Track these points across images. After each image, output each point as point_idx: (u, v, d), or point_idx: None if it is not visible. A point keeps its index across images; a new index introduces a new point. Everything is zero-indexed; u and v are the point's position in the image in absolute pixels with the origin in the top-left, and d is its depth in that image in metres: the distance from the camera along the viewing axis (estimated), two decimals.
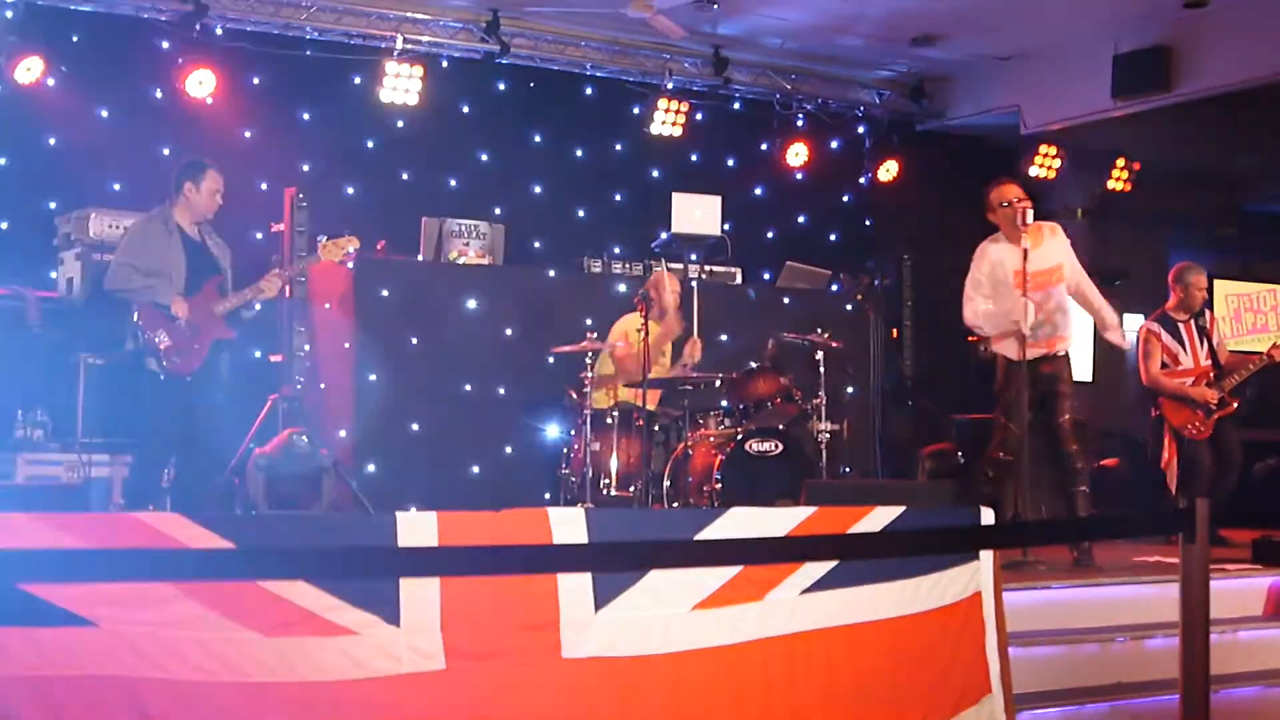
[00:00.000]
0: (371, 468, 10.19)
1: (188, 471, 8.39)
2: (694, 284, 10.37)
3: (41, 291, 9.84)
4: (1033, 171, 13.67)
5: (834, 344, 9.99)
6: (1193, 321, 9.83)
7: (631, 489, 9.56)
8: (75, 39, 10.78)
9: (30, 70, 10.20)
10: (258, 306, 8.56)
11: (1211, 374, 9.70)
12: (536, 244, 12.47)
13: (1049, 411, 8.40)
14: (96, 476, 9.25)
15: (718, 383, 9.94)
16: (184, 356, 8.07)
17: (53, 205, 10.46)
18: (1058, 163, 13.79)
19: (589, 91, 13.02)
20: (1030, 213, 8.15)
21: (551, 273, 11.40)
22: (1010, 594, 6.10)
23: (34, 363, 9.53)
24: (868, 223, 14.47)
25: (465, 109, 12.49)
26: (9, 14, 10.21)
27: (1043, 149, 13.74)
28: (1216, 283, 9.99)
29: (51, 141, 10.67)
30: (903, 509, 5.56)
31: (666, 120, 12.72)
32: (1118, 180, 14.36)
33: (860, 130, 14.22)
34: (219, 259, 8.45)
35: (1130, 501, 11.36)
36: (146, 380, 8.09)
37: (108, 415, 9.43)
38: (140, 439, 8.56)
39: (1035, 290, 8.12)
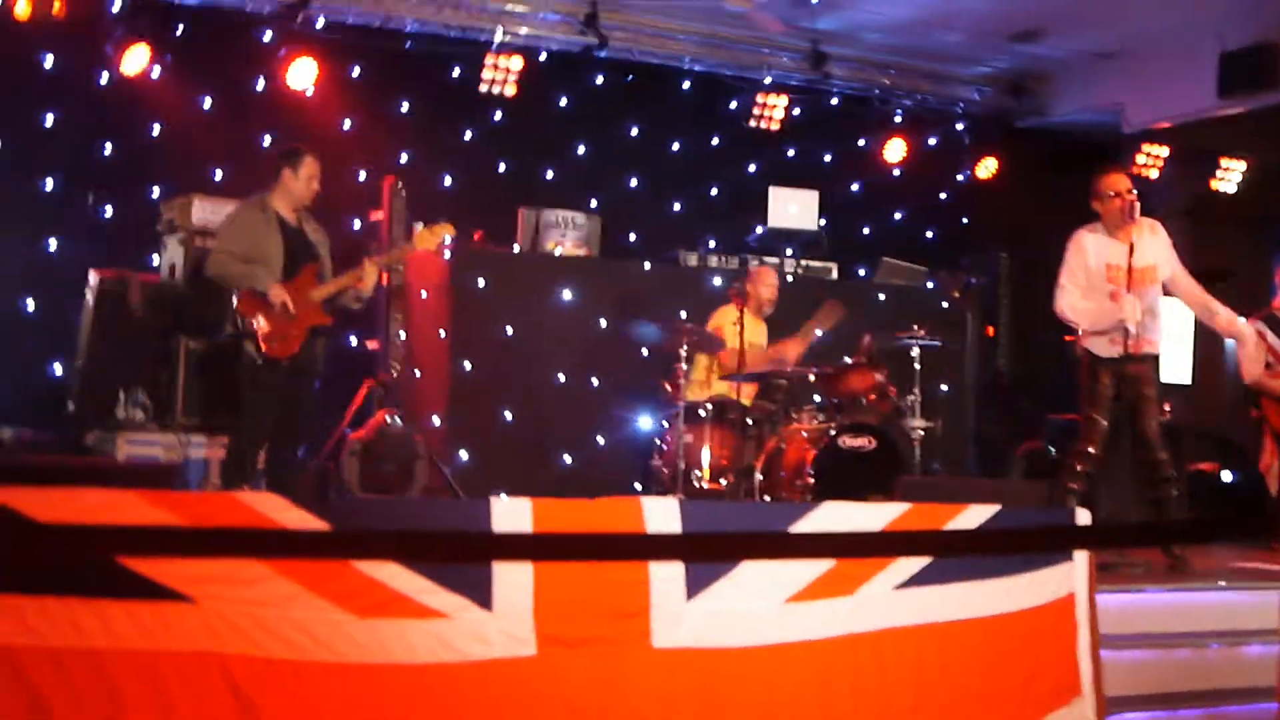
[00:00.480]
0: (464, 455, 10.26)
1: (282, 455, 8.48)
2: (789, 278, 10.34)
3: (144, 275, 9.99)
4: (1135, 170, 13.49)
5: (936, 342, 9.92)
6: None
7: (723, 482, 9.56)
8: (180, 30, 10.92)
9: (136, 61, 10.35)
10: (364, 297, 8.62)
11: None
12: (632, 236, 12.49)
13: (1136, 416, 8.10)
14: (194, 457, 9.37)
15: (812, 378, 9.91)
16: (281, 342, 8.14)
17: (156, 192, 10.59)
18: (1161, 161, 13.60)
19: (686, 85, 13.00)
20: (1138, 207, 8.00)
21: (647, 265, 11.41)
22: (1103, 596, 6.04)
23: (136, 345, 9.67)
24: (965, 220, 14.34)
25: (563, 101, 12.52)
26: (117, 6, 10.37)
27: (1146, 147, 13.54)
28: None
29: (156, 130, 10.81)
30: (998, 508, 5.53)
31: (764, 115, 12.68)
32: (1222, 180, 14.14)
33: (959, 127, 14.10)
34: (317, 246, 8.49)
35: (1228, 506, 11.20)
36: (244, 364, 8.18)
37: (206, 397, 9.56)
38: (237, 422, 8.65)
39: (1136, 288, 8.00)
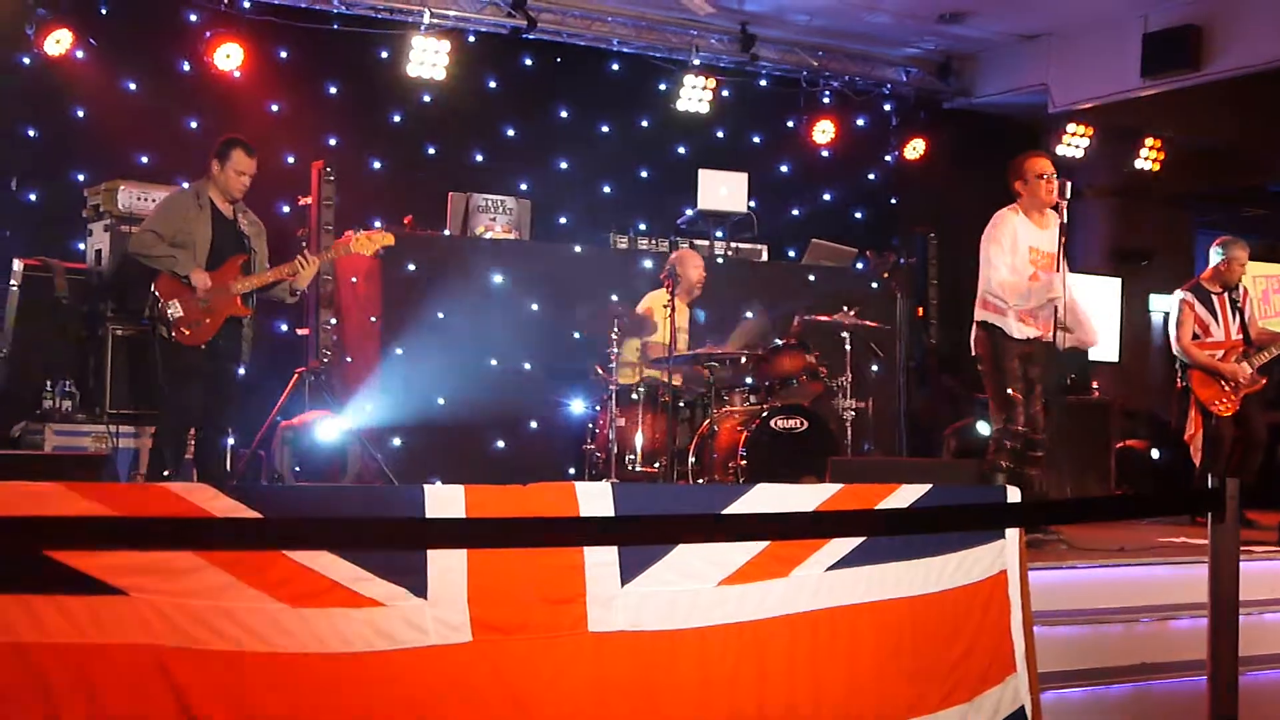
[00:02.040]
0: (397, 441, 10.21)
1: (209, 442, 8.48)
2: (719, 260, 10.35)
3: (69, 263, 9.87)
4: (1060, 150, 13.62)
5: (868, 323, 9.97)
6: (1226, 294, 9.77)
7: (656, 465, 9.58)
8: (104, 11, 10.79)
9: (59, 43, 10.22)
10: (299, 290, 8.63)
11: (1242, 348, 9.65)
12: (562, 219, 12.48)
13: (1029, 395, 8.18)
14: (124, 447, 9.29)
15: (743, 359, 9.94)
16: (193, 329, 8.17)
17: (81, 177, 10.47)
18: (1085, 141, 13.74)
19: (615, 67, 13.00)
20: (1070, 186, 8.04)
21: (577, 248, 11.39)
22: (1035, 573, 6.10)
23: (62, 334, 9.56)
24: (893, 201, 14.44)
25: (492, 84, 12.48)
26: None
27: (1070, 127, 13.68)
28: (1245, 263, 9.92)
29: (80, 114, 10.68)
30: (929, 487, 5.56)
31: (693, 97, 12.69)
32: (1146, 159, 14.31)
33: (887, 108, 14.19)
34: (251, 239, 8.52)
35: (1156, 481, 11.34)
36: (157, 349, 8.18)
37: (135, 387, 9.47)
38: (157, 408, 8.64)
39: (1044, 272, 8.07)
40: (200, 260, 8.25)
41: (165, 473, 8.21)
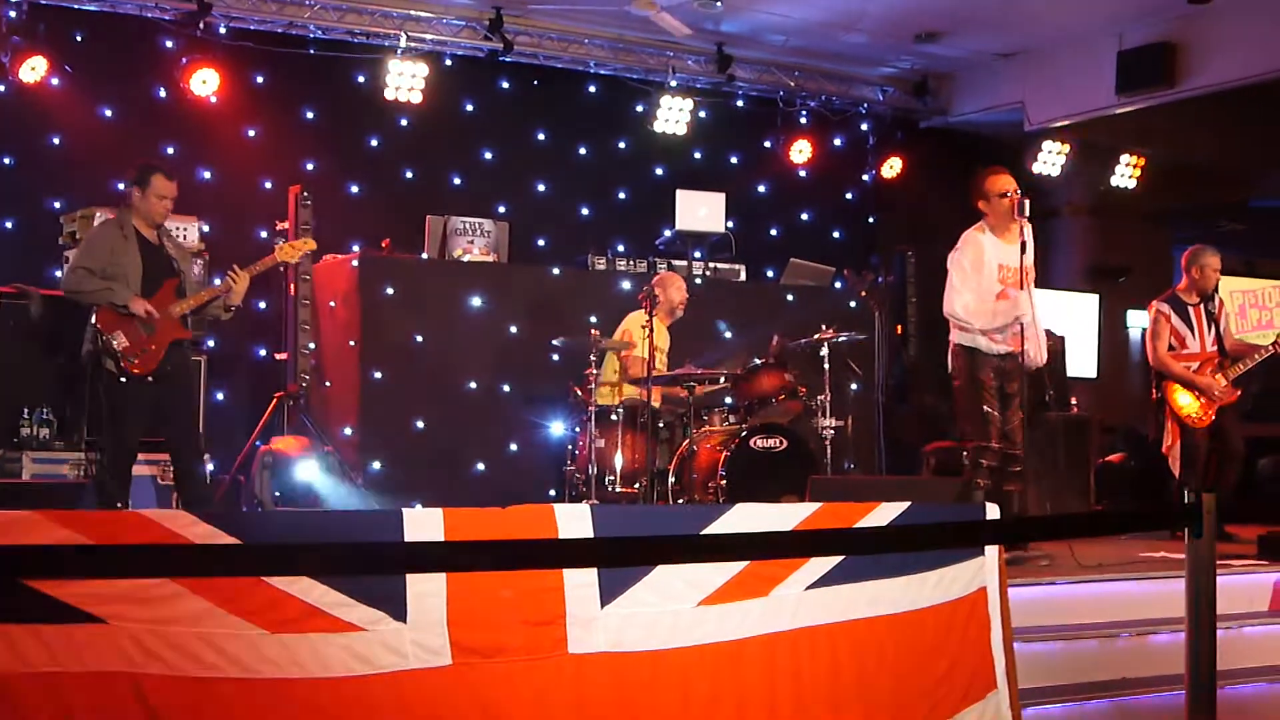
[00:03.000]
0: (376, 465, 10.20)
1: (184, 469, 8.39)
2: (698, 280, 10.36)
3: (46, 290, 9.84)
4: (1036, 168, 13.69)
5: (848, 336, 9.98)
6: (1202, 306, 9.79)
7: (636, 486, 9.58)
8: (79, 38, 10.79)
9: (35, 70, 10.21)
10: (232, 307, 8.54)
11: (1217, 360, 9.68)
12: (540, 242, 12.48)
13: (1005, 411, 8.19)
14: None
15: (722, 379, 9.95)
16: (141, 358, 8.09)
17: (58, 204, 10.45)
18: (1062, 159, 13.80)
19: (592, 89, 13.03)
20: (1028, 204, 8.07)
21: (556, 270, 11.40)
22: (1014, 590, 6.10)
23: (40, 361, 9.53)
24: (871, 220, 14.48)
25: (469, 107, 12.50)
26: (13, 14, 10.21)
27: (1046, 145, 13.74)
28: (1221, 278, 9.95)
29: (56, 141, 10.68)
30: (907, 505, 5.56)
31: (670, 118, 12.72)
32: (1122, 176, 14.37)
33: (864, 127, 14.24)
34: (178, 261, 8.42)
35: (1135, 496, 11.36)
36: (105, 382, 8.09)
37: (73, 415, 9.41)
38: (104, 440, 8.49)
39: (1012, 288, 8.09)
40: (134, 288, 8.16)
41: (118, 505, 8.09)
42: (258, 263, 8.85)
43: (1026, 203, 8.07)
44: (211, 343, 10.04)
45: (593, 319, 10.32)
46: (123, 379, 8.04)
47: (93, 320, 8.07)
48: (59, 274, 10.07)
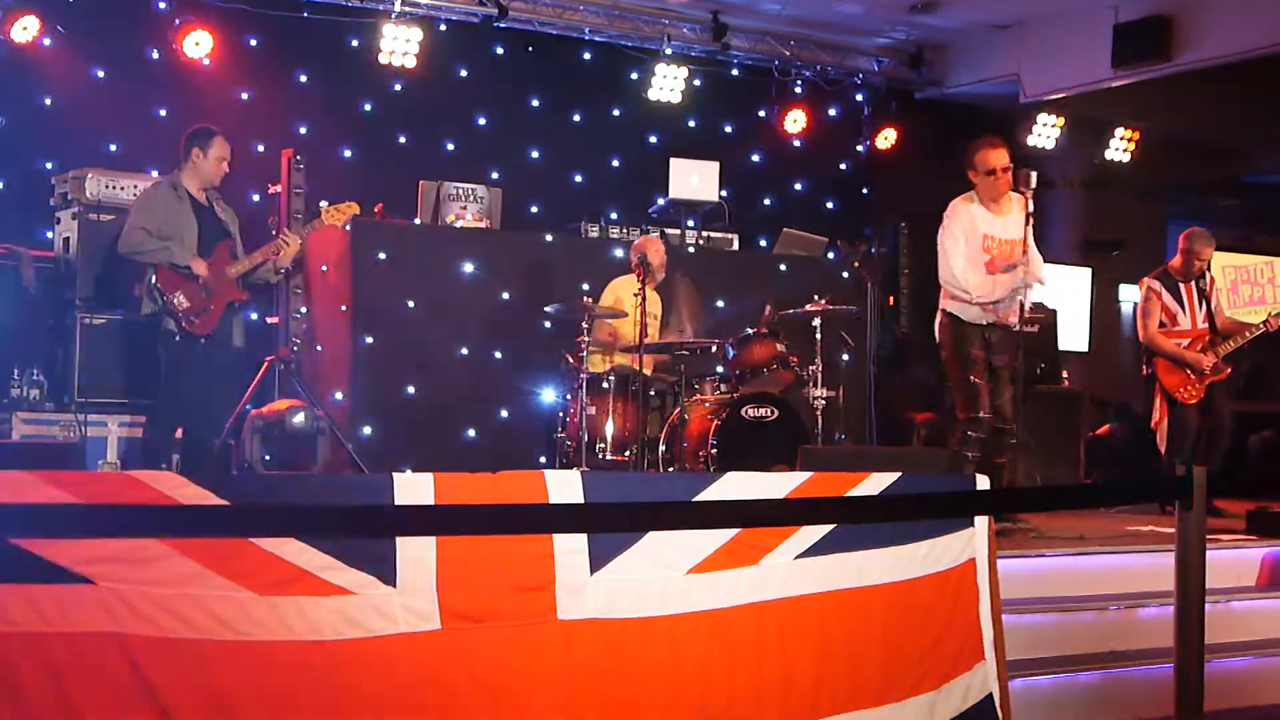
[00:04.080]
0: (367, 430, 10.19)
1: (199, 431, 8.49)
2: (690, 249, 10.33)
3: (37, 250, 9.82)
4: (1031, 140, 13.67)
5: (841, 306, 9.96)
6: (1194, 283, 9.79)
7: (627, 454, 9.57)
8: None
9: (26, 29, 10.16)
10: (282, 269, 8.71)
11: (1208, 337, 9.69)
12: (534, 208, 12.45)
13: (997, 383, 8.16)
14: (92, 436, 9.26)
15: (714, 348, 9.94)
16: (201, 318, 8.23)
17: (49, 165, 10.40)
18: (1056, 132, 13.78)
19: (587, 56, 12.99)
20: (1034, 176, 8.00)
21: (549, 237, 11.37)
22: (1004, 561, 6.12)
23: (30, 322, 9.52)
24: (865, 190, 14.46)
25: (463, 72, 12.46)
26: None
27: (1041, 118, 13.73)
28: (1214, 254, 9.95)
29: (48, 101, 10.62)
30: (898, 475, 5.57)
31: (664, 86, 12.69)
32: (1117, 150, 14.36)
33: (859, 98, 14.21)
34: (228, 224, 8.59)
35: (1125, 469, 11.38)
36: (165, 342, 8.20)
37: (105, 375, 9.45)
38: (157, 400, 8.65)
39: (1003, 260, 8.06)
40: (192, 249, 8.30)
41: (161, 465, 8.24)
42: (306, 225, 8.94)
43: (1033, 175, 7.97)
44: None
45: (585, 286, 10.29)
46: (180, 339, 8.12)
47: (153, 280, 8.19)
48: (50, 235, 10.07)
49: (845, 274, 12.05)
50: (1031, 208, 8.01)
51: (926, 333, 8.82)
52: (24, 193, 10.45)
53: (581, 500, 4.84)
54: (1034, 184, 7.96)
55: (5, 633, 4.02)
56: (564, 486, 4.84)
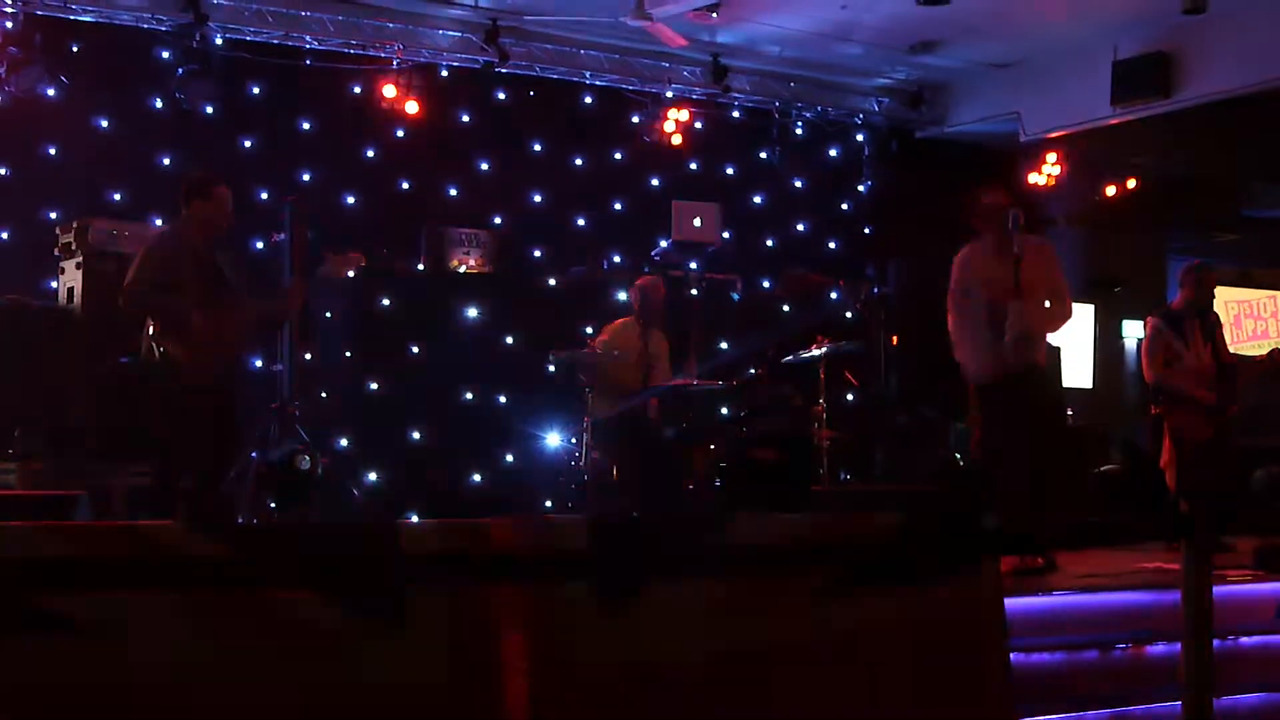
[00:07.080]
0: (373, 477, 10.18)
1: (208, 483, 8.40)
2: (694, 291, 10.36)
3: (41, 301, 9.84)
4: (1032, 179, 13.69)
5: (845, 346, 9.97)
6: (1198, 320, 9.76)
7: (633, 497, 9.55)
8: (75, 49, 10.78)
9: (31, 80, 10.19)
10: (288, 318, 8.65)
11: (1213, 375, 9.66)
12: (536, 252, 12.47)
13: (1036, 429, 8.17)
14: (95, 488, 9.23)
15: (718, 389, 9.94)
16: (204, 367, 8.09)
17: (53, 215, 10.43)
18: (1057, 169, 13.81)
19: (588, 100, 13.03)
20: (1018, 218, 8.00)
21: (552, 281, 11.39)
22: (1010, 600, 6.09)
23: (34, 373, 9.51)
24: (867, 230, 14.47)
25: (465, 118, 12.50)
26: (9, 24, 10.22)
27: (1042, 156, 13.75)
28: (1216, 289, 9.94)
29: (52, 151, 10.67)
30: (905, 516, 5.55)
31: (666, 128, 12.73)
32: (1117, 186, 14.39)
33: (859, 138, 14.26)
34: (230, 272, 8.47)
35: (1132, 506, 11.35)
36: (166, 394, 8.11)
37: (109, 427, 9.43)
38: (160, 451, 8.54)
39: (1009, 299, 8.05)
40: (194, 300, 8.16)
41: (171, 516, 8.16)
42: (310, 274, 8.91)
43: (1020, 217, 7.99)
44: None
45: (589, 329, 10.30)
46: (183, 388, 8.05)
47: (155, 330, 8.08)
48: (54, 285, 10.08)
49: (849, 314, 12.07)
50: (1018, 250, 7.99)
51: (931, 372, 8.84)
52: (28, 243, 10.48)
53: (589, 546, 4.82)
54: (1019, 226, 7.97)
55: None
56: (571, 533, 4.82)
